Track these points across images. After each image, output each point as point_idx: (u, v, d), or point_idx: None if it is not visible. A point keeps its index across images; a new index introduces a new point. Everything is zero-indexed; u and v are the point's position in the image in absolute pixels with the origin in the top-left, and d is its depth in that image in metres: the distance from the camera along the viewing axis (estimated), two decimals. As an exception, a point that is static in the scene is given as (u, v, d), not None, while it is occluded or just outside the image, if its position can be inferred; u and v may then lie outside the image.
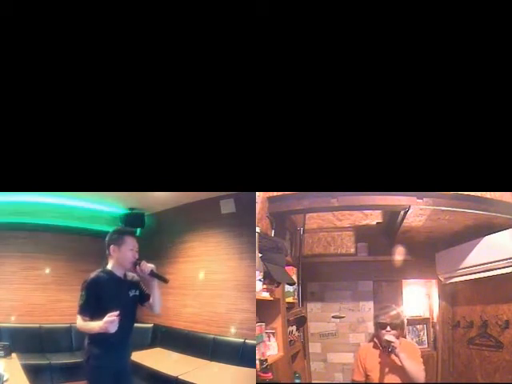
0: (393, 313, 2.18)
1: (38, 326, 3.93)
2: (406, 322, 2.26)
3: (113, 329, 1.60)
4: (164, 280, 1.81)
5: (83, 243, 4.23)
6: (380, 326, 2.16)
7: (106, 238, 1.84)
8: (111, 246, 1.82)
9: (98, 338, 1.71)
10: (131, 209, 4.38)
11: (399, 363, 2.04)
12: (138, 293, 1.86)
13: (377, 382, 2.15)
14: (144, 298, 1.86)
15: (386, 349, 2.11)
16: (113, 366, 1.78)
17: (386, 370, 2.13)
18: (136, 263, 1.79)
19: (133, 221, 4.36)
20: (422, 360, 2.13)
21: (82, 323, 1.72)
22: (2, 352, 2.86)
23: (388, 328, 2.13)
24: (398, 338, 2.12)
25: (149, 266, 1.78)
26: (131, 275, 1.86)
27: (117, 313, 1.61)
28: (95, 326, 1.65)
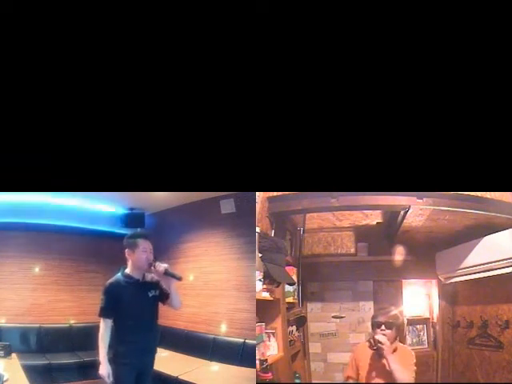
0: (390, 313, 2.16)
1: (37, 325, 3.93)
2: (405, 324, 2.23)
3: (104, 379, 1.77)
4: (177, 277, 1.87)
5: (83, 243, 4.24)
6: (375, 325, 2.13)
7: (123, 243, 1.92)
8: (126, 250, 1.90)
9: (123, 337, 1.84)
10: (131, 209, 4.38)
11: (387, 367, 2.02)
12: (157, 293, 1.93)
13: (365, 381, 2.13)
14: (164, 296, 1.93)
15: (375, 348, 2.09)
16: (137, 365, 1.87)
17: (376, 371, 2.10)
18: (151, 264, 1.86)
19: (133, 221, 4.35)
20: (414, 368, 2.06)
21: (102, 332, 1.83)
22: (1, 352, 2.86)
23: (383, 327, 2.09)
24: (392, 339, 2.10)
25: (163, 266, 1.84)
26: (150, 276, 1.94)
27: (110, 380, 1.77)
28: (101, 359, 1.79)
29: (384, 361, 2.04)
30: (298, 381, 2.75)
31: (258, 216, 2.34)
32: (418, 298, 3.69)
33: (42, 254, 4.22)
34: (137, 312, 1.87)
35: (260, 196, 2.40)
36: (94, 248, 4.29)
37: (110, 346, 1.86)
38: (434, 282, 3.56)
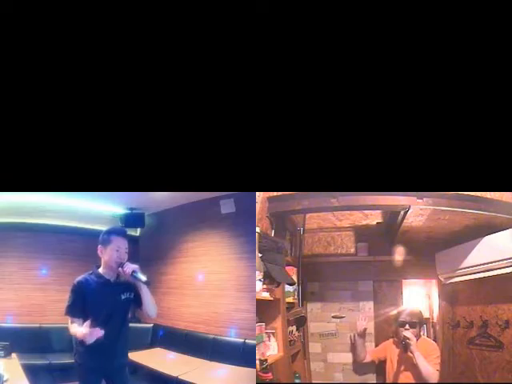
0: (412, 312, 2.32)
1: (37, 325, 3.94)
2: (424, 321, 2.42)
3: (88, 341, 1.61)
4: (143, 281, 1.72)
5: (83, 243, 4.23)
6: (399, 325, 2.29)
7: (99, 239, 1.81)
8: (99, 247, 1.78)
9: None
10: (131, 209, 4.38)
11: (414, 361, 2.14)
12: (132, 296, 1.79)
13: (392, 375, 2.26)
14: (139, 301, 1.79)
15: (403, 344, 2.23)
16: (99, 367, 1.75)
17: (404, 365, 2.29)
18: (120, 264, 1.72)
19: (133, 221, 4.36)
20: (438, 361, 2.20)
21: (69, 324, 1.72)
22: (1, 352, 2.86)
23: (407, 326, 2.34)
24: (417, 336, 2.25)
25: (131, 267, 1.71)
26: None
27: (98, 330, 1.61)
28: (76, 331, 1.66)
29: (411, 357, 2.25)
30: (297, 381, 2.74)
31: (257, 216, 2.34)
32: (418, 298, 3.69)
33: (42, 253, 4.23)
34: (104, 314, 1.71)
35: (260, 196, 2.40)
36: (93, 248, 4.29)
37: (74, 348, 1.76)
38: (434, 281, 3.56)
